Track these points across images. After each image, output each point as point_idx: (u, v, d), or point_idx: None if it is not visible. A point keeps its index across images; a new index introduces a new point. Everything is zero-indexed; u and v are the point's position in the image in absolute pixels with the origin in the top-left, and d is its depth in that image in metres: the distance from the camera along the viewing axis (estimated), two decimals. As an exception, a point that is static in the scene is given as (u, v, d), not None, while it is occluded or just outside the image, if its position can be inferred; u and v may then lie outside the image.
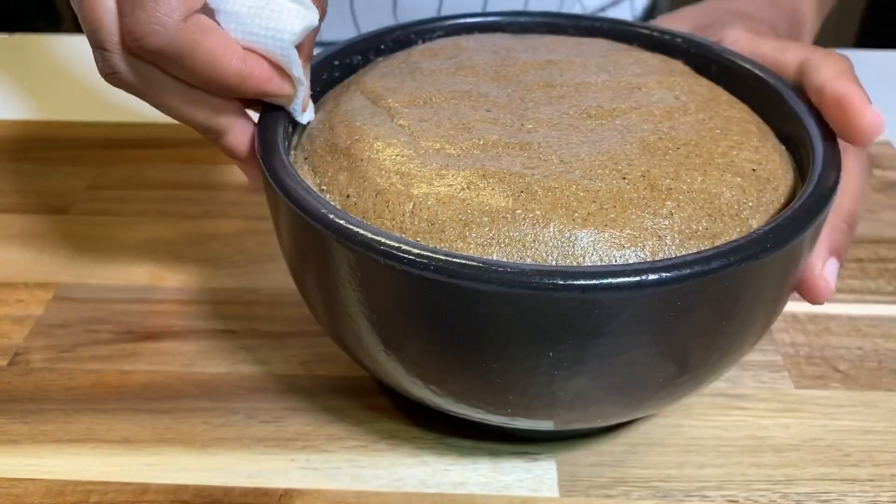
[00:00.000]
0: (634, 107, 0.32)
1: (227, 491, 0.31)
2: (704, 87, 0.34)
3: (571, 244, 0.26)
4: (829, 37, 0.65)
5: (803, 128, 0.31)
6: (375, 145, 0.30)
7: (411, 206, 0.28)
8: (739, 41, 0.36)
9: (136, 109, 0.53)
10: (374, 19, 0.60)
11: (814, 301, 0.30)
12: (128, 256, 0.42)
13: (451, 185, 0.28)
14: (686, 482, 0.31)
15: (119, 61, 0.29)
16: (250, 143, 0.32)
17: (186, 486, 0.31)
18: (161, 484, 0.31)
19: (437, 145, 0.30)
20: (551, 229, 0.26)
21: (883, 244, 0.43)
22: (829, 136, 0.30)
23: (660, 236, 0.27)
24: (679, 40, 0.37)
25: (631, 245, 0.26)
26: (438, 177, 0.28)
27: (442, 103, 0.32)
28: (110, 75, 0.29)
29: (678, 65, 0.35)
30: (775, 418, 0.34)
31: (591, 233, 0.26)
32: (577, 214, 0.27)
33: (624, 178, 0.28)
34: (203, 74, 0.29)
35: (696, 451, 0.33)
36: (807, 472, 0.32)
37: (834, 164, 0.29)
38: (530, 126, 0.31)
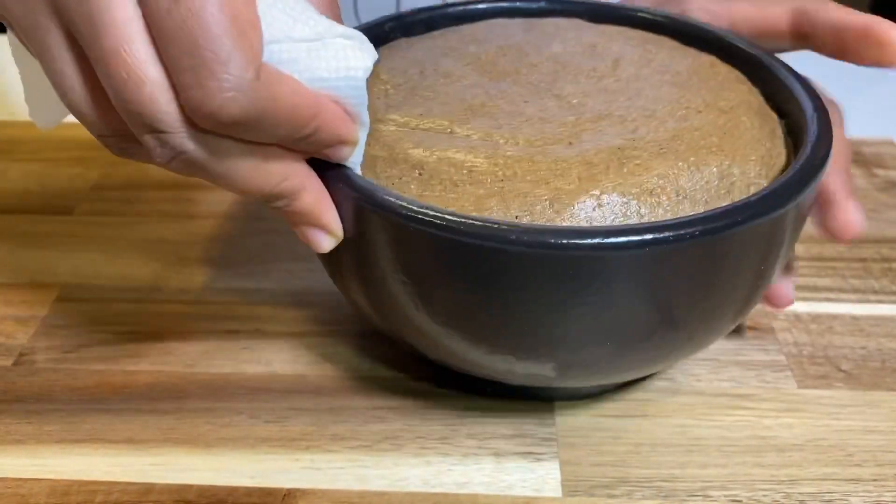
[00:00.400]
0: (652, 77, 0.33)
1: (231, 491, 0.31)
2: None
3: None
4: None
5: (794, 98, 0.32)
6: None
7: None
8: (709, 6, 0.36)
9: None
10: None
11: (848, 236, 0.32)
12: (132, 257, 0.42)
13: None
14: (689, 482, 0.32)
15: (185, 140, 0.24)
16: (328, 197, 0.28)
17: (191, 486, 0.31)
18: (165, 484, 0.31)
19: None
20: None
21: (886, 244, 0.43)
22: (819, 106, 0.31)
23: (657, 196, 0.28)
24: (661, 18, 0.37)
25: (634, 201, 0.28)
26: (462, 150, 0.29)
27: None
28: (175, 158, 0.25)
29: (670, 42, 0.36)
30: (779, 418, 0.34)
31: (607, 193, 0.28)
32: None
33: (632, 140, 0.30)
34: (285, 129, 0.25)
35: (700, 451, 0.33)
36: (810, 471, 0.32)
37: (826, 134, 0.30)
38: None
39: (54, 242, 0.43)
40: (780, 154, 0.31)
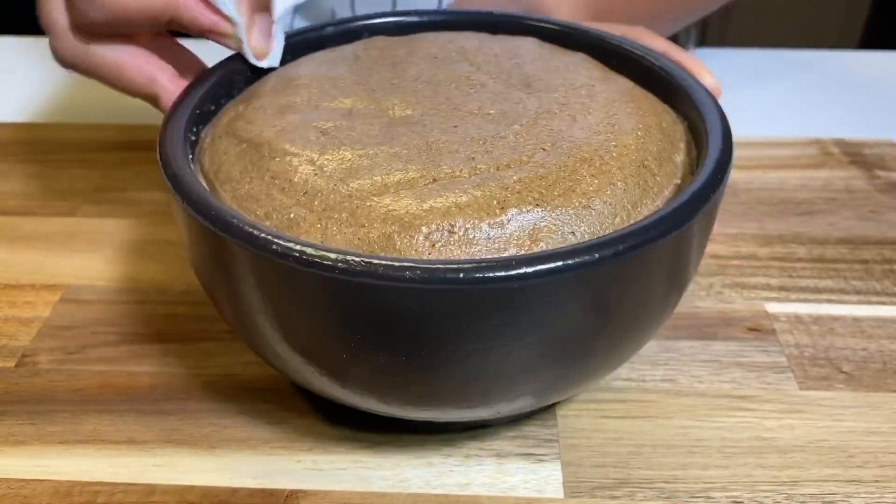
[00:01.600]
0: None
1: (234, 492, 0.31)
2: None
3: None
4: (832, 37, 0.64)
5: (694, 106, 0.32)
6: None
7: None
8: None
9: (142, 112, 0.53)
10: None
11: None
12: (134, 258, 0.42)
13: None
14: (691, 483, 0.32)
15: (68, 44, 0.34)
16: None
17: (193, 487, 0.31)
18: (168, 485, 0.31)
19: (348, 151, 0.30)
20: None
21: (888, 245, 0.43)
22: (720, 117, 0.31)
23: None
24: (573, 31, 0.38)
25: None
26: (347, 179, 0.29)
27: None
28: (63, 60, 0.35)
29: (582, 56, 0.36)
30: (780, 419, 0.34)
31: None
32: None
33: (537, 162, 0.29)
34: (141, 24, 0.33)
35: (701, 453, 0.33)
36: (812, 473, 0.32)
37: (726, 150, 0.30)
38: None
39: (57, 244, 0.43)
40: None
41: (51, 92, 0.57)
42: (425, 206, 0.27)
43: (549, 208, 0.27)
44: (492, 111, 0.32)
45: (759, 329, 0.38)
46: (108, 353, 0.37)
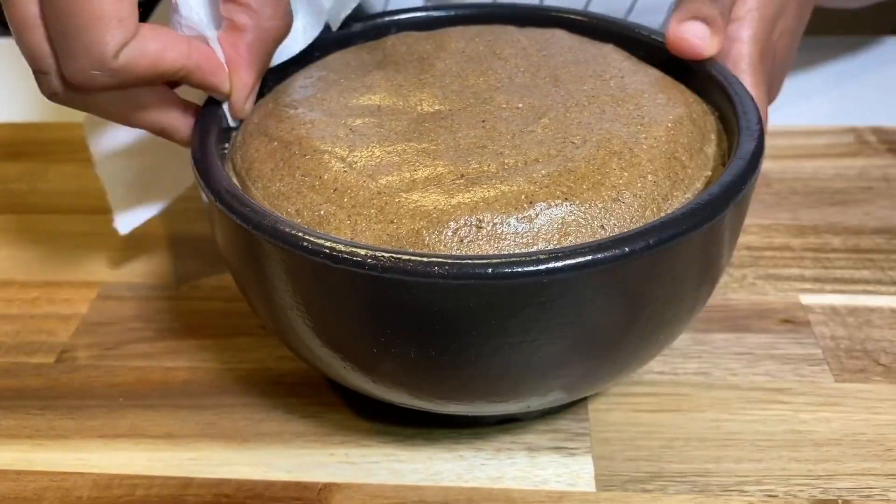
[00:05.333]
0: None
1: (269, 485, 0.32)
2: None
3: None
4: (868, 24, 0.63)
5: (726, 96, 0.32)
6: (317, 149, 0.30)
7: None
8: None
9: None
10: None
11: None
12: (169, 255, 0.43)
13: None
14: (724, 477, 0.31)
15: (58, 86, 0.30)
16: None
17: (228, 481, 0.32)
18: (204, 478, 0.32)
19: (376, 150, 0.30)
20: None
21: (926, 235, 0.42)
22: (749, 106, 0.31)
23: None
24: (608, 24, 0.37)
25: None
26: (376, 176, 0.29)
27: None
28: (53, 96, 0.30)
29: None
30: (815, 412, 0.34)
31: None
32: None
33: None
34: (150, 82, 0.30)
35: (735, 446, 0.32)
36: (848, 466, 0.32)
37: (759, 140, 0.29)
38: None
39: (93, 241, 0.44)
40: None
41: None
42: (453, 201, 0.27)
43: (577, 202, 0.27)
44: (520, 105, 0.32)
45: (794, 321, 0.38)
46: (144, 349, 0.38)
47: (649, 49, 0.36)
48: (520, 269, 0.24)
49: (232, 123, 0.33)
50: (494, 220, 0.27)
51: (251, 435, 0.34)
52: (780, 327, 0.37)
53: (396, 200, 0.28)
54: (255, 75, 0.32)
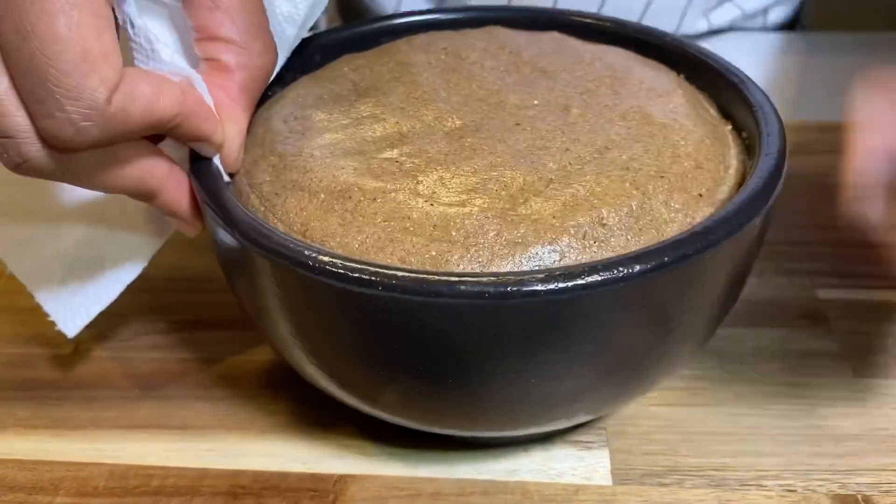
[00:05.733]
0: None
1: (284, 476, 0.32)
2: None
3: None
4: (886, 19, 0.63)
5: (752, 115, 0.31)
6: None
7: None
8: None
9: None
10: None
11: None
12: (185, 248, 0.43)
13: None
14: (742, 471, 0.31)
15: (32, 149, 0.24)
16: (187, 197, 0.29)
17: (244, 472, 0.32)
18: (220, 469, 0.32)
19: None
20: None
21: (946, 230, 0.42)
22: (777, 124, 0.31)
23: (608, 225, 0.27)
24: (631, 29, 0.37)
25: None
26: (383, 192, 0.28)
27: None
28: (20, 166, 0.25)
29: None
30: (834, 407, 0.33)
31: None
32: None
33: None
34: (141, 133, 0.26)
35: (753, 440, 0.32)
36: (868, 462, 0.31)
37: (779, 158, 0.29)
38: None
39: (110, 234, 0.44)
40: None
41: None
42: (559, 205, 0.27)
43: (674, 179, 0.28)
44: (536, 101, 0.32)
45: (812, 316, 0.37)
46: (160, 341, 0.38)
47: (588, 32, 0.36)
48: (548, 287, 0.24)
49: (227, 178, 0.30)
50: (613, 217, 0.27)
51: (267, 426, 0.34)
52: (799, 322, 0.37)
53: (516, 218, 0.27)
54: (248, 120, 0.29)
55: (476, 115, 0.31)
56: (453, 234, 0.26)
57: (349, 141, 0.30)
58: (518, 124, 0.31)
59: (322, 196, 0.28)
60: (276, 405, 0.34)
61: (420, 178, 0.28)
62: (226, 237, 0.27)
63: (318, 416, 0.34)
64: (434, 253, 0.26)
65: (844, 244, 0.41)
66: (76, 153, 0.25)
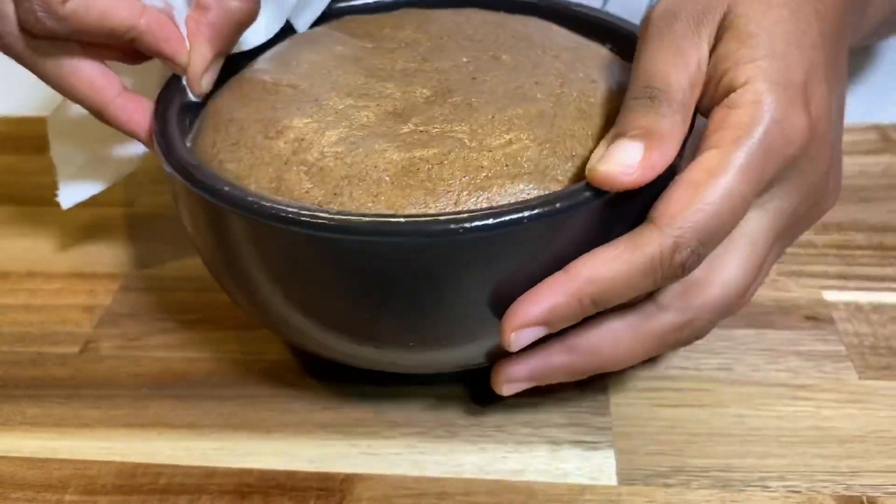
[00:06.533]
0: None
1: (291, 475, 0.32)
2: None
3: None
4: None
5: None
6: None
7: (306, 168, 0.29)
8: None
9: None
10: None
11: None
12: (191, 248, 0.43)
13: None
14: (747, 472, 0.31)
15: (9, 28, 0.31)
16: (137, 120, 0.34)
17: (251, 470, 0.32)
18: (227, 468, 0.32)
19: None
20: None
21: (951, 233, 0.42)
22: None
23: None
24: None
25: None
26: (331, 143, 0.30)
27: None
28: (6, 48, 0.32)
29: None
30: (839, 409, 0.33)
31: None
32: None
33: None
34: (99, 37, 0.31)
35: (758, 441, 0.32)
36: (873, 463, 0.31)
37: None
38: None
39: (117, 234, 0.45)
40: None
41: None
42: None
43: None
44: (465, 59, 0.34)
45: (817, 317, 0.38)
46: (167, 340, 0.38)
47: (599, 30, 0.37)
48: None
49: (193, 98, 0.34)
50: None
51: (274, 425, 0.34)
52: (804, 324, 0.37)
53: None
54: (213, 51, 0.33)
55: (432, 82, 0.33)
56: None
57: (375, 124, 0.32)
58: (474, 79, 0.32)
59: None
60: (284, 405, 0.35)
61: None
62: (163, 165, 0.31)
63: (324, 415, 0.34)
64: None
65: (851, 246, 0.42)
66: (43, 43, 0.32)
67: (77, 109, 0.38)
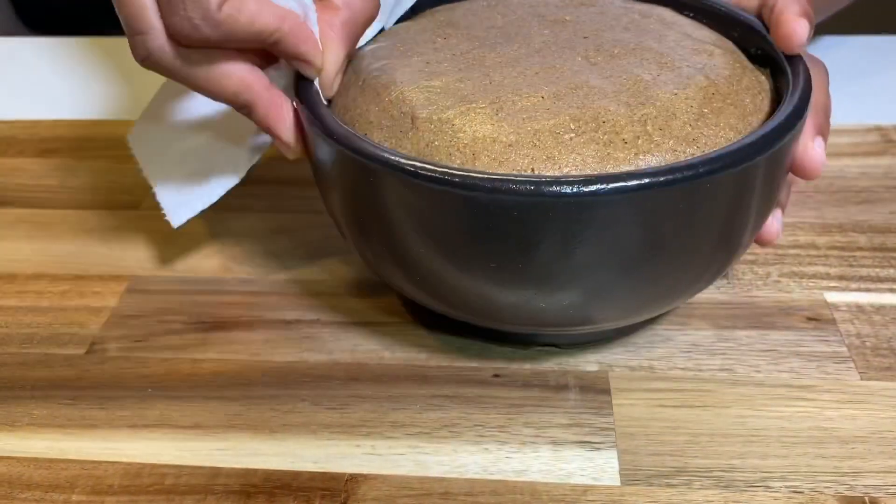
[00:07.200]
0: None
1: (295, 475, 0.32)
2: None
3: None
4: (893, 21, 0.63)
5: (779, 58, 0.35)
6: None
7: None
8: None
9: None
10: None
11: (810, 176, 0.34)
12: (197, 250, 0.44)
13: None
14: (749, 472, 0.31)
15: (158, 44, 0.31)
16: (283, 117, 0.34)
17: (256, 471, 0.32)
18: (232, 468, 0.32)
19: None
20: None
21: (953, 234, 0.42)
22: (800, 63, 0.34)
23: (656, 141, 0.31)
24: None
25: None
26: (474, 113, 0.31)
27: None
28: (145, 58, 0.32)
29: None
30: (841, 409, 0.34)
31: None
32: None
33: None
34: (247, 42, 0.32)
35: (760, 442, 0.32)
36: (875, 464, 0.32)
37: (805, 86, 0.32)
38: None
39: (123, 236, 0.45)
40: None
41: (115, 90, 0.59)
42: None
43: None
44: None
45: (819, 319, 0.38)
46: (173, 341, 0.38)
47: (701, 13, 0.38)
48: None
49: (323, 100, 0.34)
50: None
51: (279, 426, 0.34)
52: (806, 325, 0.37)
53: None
54: (346, 52, 0.34)
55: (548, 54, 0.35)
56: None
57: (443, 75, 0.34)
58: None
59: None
60: (288, 405, 0.35)
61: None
62: (322, 146, 0.32)
63: (328, 416, 0.34)
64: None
65: (852, 248, 0.42)
66: (191, 51, 0.32)
67: (167, 118, 0.39)
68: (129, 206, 0.47)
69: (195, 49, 0.32)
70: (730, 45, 0.36)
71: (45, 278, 0.43)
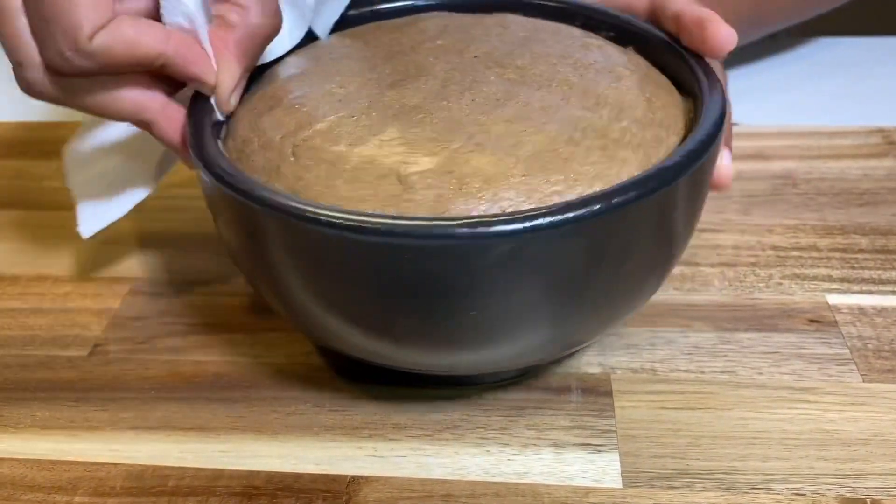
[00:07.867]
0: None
1: (297, 477, 0.32)
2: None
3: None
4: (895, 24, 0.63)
5: (692, 74, 0.33)
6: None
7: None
8: None
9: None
10: None
11: (722, 186, 0.35)
12: (199, 252, 0.44)
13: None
14: (751, 475, 0.31)
15: (36, 75, 0.31)
16: (180, 131, 0.33)
17: (258, 472, 0.32)
18: (234, 470, 0.32)
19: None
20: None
21: (955, 236, 0.42)
22: (710, 74, 0.33)
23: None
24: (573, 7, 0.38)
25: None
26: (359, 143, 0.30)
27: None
28: (28, 87, 0.31)
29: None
30: (843, 412, 0.34)
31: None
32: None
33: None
34: (129, 68, 0.31)
35: (761, 444, 0.32)
36: (877, 466, 0.32)
37: (719, 106, 0.31)
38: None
39: (125, 238, 0.45)
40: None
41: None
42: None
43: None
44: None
45: (821, 321, 0.38)
46: (175, 343, 0.38)
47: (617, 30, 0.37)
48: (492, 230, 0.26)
49: (220, 117, 0.33)
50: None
51: (281, 428, 0.34)
52: (808, 327, 0.37)
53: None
54: (241, 70, 0.33)
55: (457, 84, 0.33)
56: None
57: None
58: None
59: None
60: (290, 407, 0.35)
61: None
62: (200, 173, 0.31)
63: (330, 418, 0.34)
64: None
65: (854, 250, 0.42)
66: (74, 80, 0.31)
67: (89, 139, 0.38)
68: (132, 210, 0.47)
69: (80, 77, 0.31)
70: (640, 60, 0.35)
71: (48, 280, 0.43)
